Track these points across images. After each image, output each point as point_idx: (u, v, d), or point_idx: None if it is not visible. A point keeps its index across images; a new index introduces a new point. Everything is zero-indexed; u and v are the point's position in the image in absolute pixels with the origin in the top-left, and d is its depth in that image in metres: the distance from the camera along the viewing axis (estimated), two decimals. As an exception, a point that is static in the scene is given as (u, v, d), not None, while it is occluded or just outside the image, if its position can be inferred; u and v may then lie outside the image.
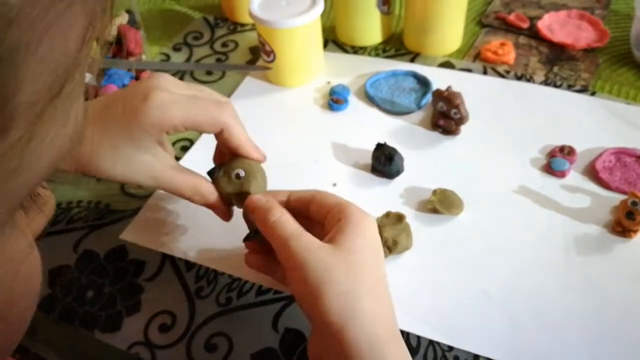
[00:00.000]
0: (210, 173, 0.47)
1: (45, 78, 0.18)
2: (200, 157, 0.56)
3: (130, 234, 0.54)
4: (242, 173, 0.45)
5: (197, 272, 0.52)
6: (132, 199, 0.59)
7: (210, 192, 0.47)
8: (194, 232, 0.54)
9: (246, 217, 0.47)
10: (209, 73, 0.73)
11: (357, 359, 0.35)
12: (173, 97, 0.43)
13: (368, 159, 0.58)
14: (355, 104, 0.67)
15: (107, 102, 0.45)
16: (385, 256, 0.49)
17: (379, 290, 0.39)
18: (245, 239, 0.47)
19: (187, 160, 0.62)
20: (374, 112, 0.66)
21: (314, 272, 0.37)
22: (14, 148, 0.17)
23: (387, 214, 0.52)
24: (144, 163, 0.44)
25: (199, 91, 0.46)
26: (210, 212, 0.49)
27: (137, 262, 0.53)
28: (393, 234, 0.50)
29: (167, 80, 0.44)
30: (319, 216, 0.43)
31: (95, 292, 0.51)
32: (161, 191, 0.58)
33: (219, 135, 0.46)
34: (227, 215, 0.49)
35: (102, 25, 0.20)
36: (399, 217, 0.51)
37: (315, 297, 0.37)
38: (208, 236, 0.54)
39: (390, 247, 0.50)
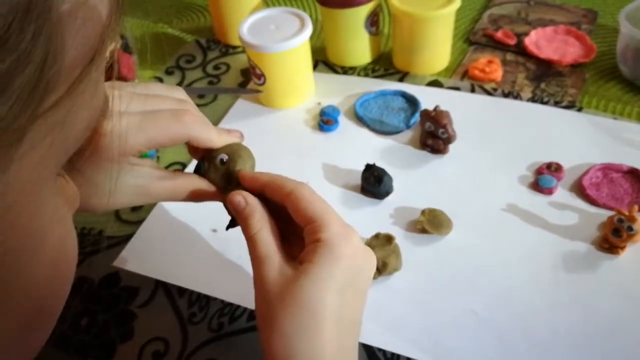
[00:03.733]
0: (197, 170, 0.46)
1: (82, 48, 0.21)
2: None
3: (124, 262, 0.55)
4: (224, 157, 0.44)
5: (189, 297, 0.52)
6: (126, 225, 0.59)
7: (204, 185, 0.45)
8: (186, 257, 0.55)
9: (226, 205, 0.44)
10: (200, 96, 0.74)
11: None
12: (126, 121, 0.39)
13: (358, 180, 0.59)
14: (345, 124, 0.68)
15: None
16: (375, 278, 0.50)
17: (331, 331, 0.36)
18: (228, 227, 0.45)
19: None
20: (364, 132, 0.66)
21: (267, 304, 0.37)
22: (61, 101, 0.21)
23: (377, 235, 0.52)
24: (128, 187, 0.43)
25: (152, 99, 0.43)
26: (200, 236, 0.49)
27: (130, 289, 0.54)
28: (382, 255, 0.50)
29: (115, 100, 0.39)
30: (297, 220, 0.40)
31: (90, 320, 0.52)
32: (153, 217, 0.58)
33: (187, 144, 0.45)
34: (216, 197, 0.46)
35: (120, 10, 0.24)
36: (388, 238, 0.51)
37: (263, 328, 0.37)
38: (200, 261, 0.54)
39: (380, 268, 0.50)
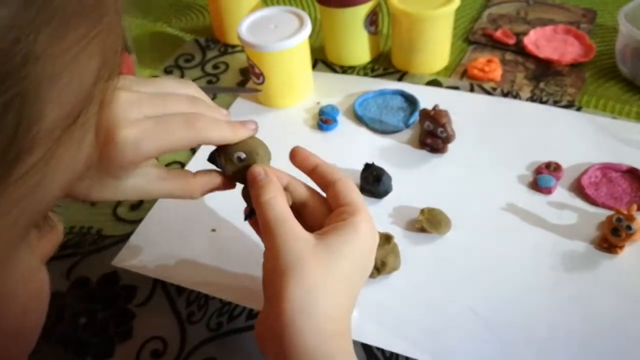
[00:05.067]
0: (211, 159, 0.46)
1: (64, 108, 0.20)
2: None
3: (122, 261, 0.55)
4: (242, 155, 0.44)
5: (188, 296, 0.52)
6: (124, 224, 0.59)
7: (202, 183, 0.45)
8: (184, 256, 0.55)
9: (245, 195, 0.45)
10: (199, 96, 0.74)
11: (298, 347, 0.36)
12: (139, 129, 0.39)
13: (357, 179, 0.59)
14: (344, 123, 0.67)
15: None
16: (374, 276, 0.50)
17: (344, 295, 0.39)
18: (246, 218, 0.46)
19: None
20: (363, 131, 0.66)
21: (284, 258, 0.38)
22: (35, 167, 0.20)
23: (381, 239, 0.52)
24: (130, 186, 0.43)
25: (164, 100, 0.42)
26: (199, 235, 0.49)
27: (129, 288, 0.54)
28: (381, 254, 0.50)
29: (126, 105, 0.40)
30: (333, 203, 0.44)
31: (88, 319, 0.52)
32: (152, 216, 0.58)
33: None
34: (231, 186, 0.47)
35: (115, 63, 0.23)
36: (387, 238, 0.51)
37: (279, 283, 0.38)
38: (198, 261, 0.54)
39: (379, 268, 0.50)
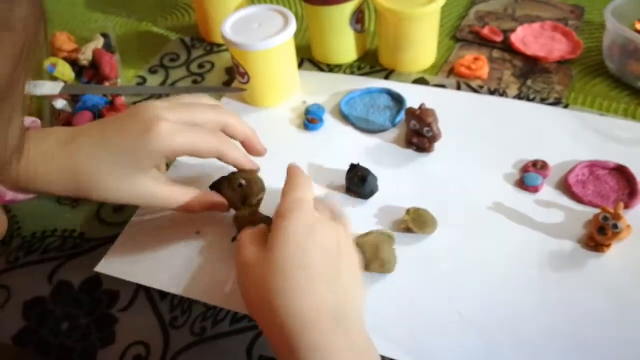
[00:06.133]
0: (213, 185, 0.53)
1: None
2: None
3: (105, 266, 0.54)
4: (243, 182, 0.52)
5: (171, 300, 0.52)
6: (107, 227, 0.59)
7: (208, 193, 0.52)
8: (168, 260, 0.54)
9: (236, 220, 0.53)
10: (185, 95, 0.73)
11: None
12: (174, 126, 0.47)
13: (343, 180, 0.58)
14: (330, 123, 0.67)
15: (103, 129, 0.48)
16: (368, 270, 0.49)
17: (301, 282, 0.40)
18: (235, 239, 0.53)
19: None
20: (349, 130, 0.66)
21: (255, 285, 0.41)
22: None
23: (382, 231, 0.52)
24: (144, 184, 0.48)
25: (193, 111, 0.50)
26: (183, 238, 0.52)
27: (111, 292, 0.53)
28: (388, 250, 0.50)
29: (163, 108, 0.48)
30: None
31: (70, 324, 0.51)
32: (135, 220, 0.58)
33: (218, 158, 0.51)
34: (226, 207, 0.53)
35: (36, 50, 0.23)
36: (389, 237, 0.51)
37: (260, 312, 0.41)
38: (182, 264, 0.53)
39: (384, 261, 0.50)
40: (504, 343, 0.46)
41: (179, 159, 0.63)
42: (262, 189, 0.53)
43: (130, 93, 0.72)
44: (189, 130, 0.47)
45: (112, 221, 0.59)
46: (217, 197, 0.52)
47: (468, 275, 0.51)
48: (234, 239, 0.54)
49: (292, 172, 0.48)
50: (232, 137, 0.52)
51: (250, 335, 0.49)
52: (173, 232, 0.56)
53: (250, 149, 0.55)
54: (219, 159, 0.51)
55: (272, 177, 0.55)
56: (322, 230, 0.42)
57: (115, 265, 0.54)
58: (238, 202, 0.52)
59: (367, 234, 0.51)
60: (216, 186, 0.53)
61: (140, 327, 0.50)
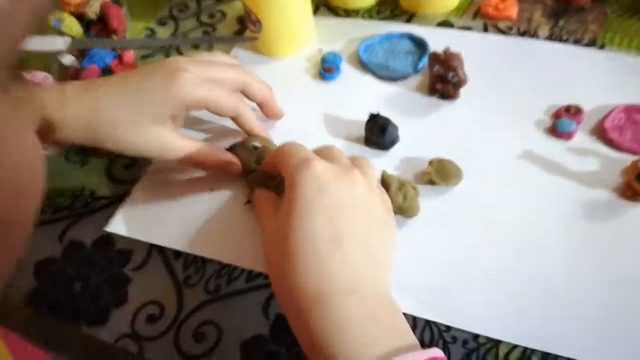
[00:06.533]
0: (229, 149, 0.53)
1: None
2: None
3: (116, 226, 0.52)
4: (258, 144, 0.52)
5: (185, 260, 0.50)
6: (118, 184, 0.57)
7: (221, 150, 0.52)
8: (181, 219, 0.52)
9: (251, 182, 0.51)
10: (195, 46, 0.70)
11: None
12: (198, 79, 0.48)
13: (362, 131, 0.55)
14: (347, 71, 0.63)
15: (124, 78, 0.49)
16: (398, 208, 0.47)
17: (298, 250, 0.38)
18: (247, 203, 0.52)
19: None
20: (368, 79, 0.62)
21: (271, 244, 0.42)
22: None
23: (408, 181, 0.49)
24: (160, 134, 0.49)
25: (213, 69, 0.51)
26: (196, 195, 0.52)
27: (124, 252, 0.51)
28: (412, 192, 0.48)
29: (186, 62, 0.50)
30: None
31: (82, 284, 0.50)
32: (146, 177, 0.56)
33: (234, 120, 0.52)
34: (239, 167, 0.52)
35: None
36: (414, 189, 0.48)
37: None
38: (195, 224, 0.51)
39: (407, 196, 0.47)
40: (534, 301, 0.43)
41: (193, 117, 0.60)
42: (275, 147, 0.52)
43: (139, 46, 0.69)
44: (211, 84, 0.49)
45: (123, 178, 0.57)
46: (230, 156, 0.52)
47: (495, 229, 0.48)
48: (248, 202, 0.52)
49: (281, 147, 0.45)
50: (250, 98, 0.54)
51: (267, 293, 0.47)
52: (185, 189, 0.54)
53: (268, 111, 0.56)
54: (235, 119, 0.52)
55: (286, 132, 0.53)
56: (334, 190, 0.39)
57: (126, 225, 0.52)
58: (252, 163, 0.52)
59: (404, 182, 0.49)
60: (231, 150, 0.53)
61: (154, 286, 0.49)
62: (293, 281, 0.37)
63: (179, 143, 0.50)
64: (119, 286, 0.49)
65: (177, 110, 0.48)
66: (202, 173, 0.55)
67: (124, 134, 0.48)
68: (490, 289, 0.44)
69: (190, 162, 0.50)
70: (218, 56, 0.54)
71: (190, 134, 0.58)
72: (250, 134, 0.53)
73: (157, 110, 0.48)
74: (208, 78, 0.50)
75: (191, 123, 0.59)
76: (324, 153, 0.44)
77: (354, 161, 0.45)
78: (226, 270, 0.49)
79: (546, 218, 0.48)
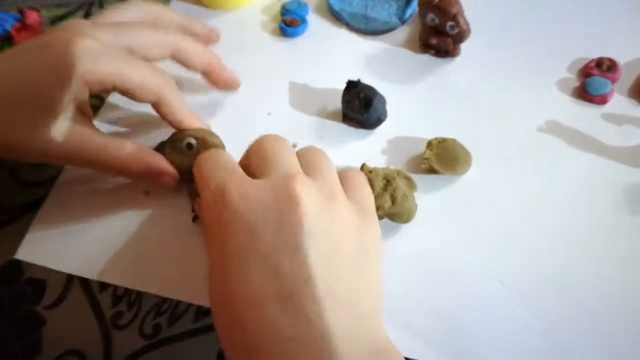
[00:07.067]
0: (157, 149, 0.40)
1: None
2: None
3: (27, 251, 0.39)
4: (193, 141, 0.38)
5: (114, 291, 0.38)
6: (27, 189, 0.44)
7: (150, 153, 0.38)
8: (106, 241, 0.38)
9: (192, 194, 0.39)
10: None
11: None
12: (104, 48, 0.36)
13: (337, 103, 0.43)
14: (316, 24, 0.50)
15: (6, 56, 0.36)
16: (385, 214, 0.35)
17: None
18: (194, 219, 0.39)
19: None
20: (342, 33, 0.49)
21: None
22: None
23: (398, 172, 0.37)
24: (62, 131, 0.35)
25: (129, 31, 0.38)
26: (128, 210, 0.39)
27: (36, 283, 0.39)
28: (405, 189, 0.36)
29: (87, 26, 0.37)
30: None
31: (-16, 329, 0.38)
32: (63, 179, 0.42)
33: (155, 107, 0.38)
34: (175, 178, 0.38)
35: None
36: (410, 183, 0.37)
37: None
38: (126, 246, 0.38)
39: (397, 198, 0.35)
40: (562, 321, 0.33)
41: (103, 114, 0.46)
42: (219, 145, 0.39)
43: (48, 4, 0.55)
44: (124, 56, 0.36)
45: (33, 180, 0.44)
46: (162, 162, 0.38)
47: (514, 229, 0.37)
48: (194, 218, 0.39)
49: (196, 163, 0.35)
50: (189, 67, 0.41)
51: (223, 335, 0.35)
52: (112, 197, 0.40)
53: (217, 79, 0.43)
54: (157, 107, 0.38)
55: (242, 108, 0.40)
56: (269, 227, 0.28)
57: (38, 249, 0.39)
58: (191, 168, 0.37)
59: (391, 176, 0.37)
60: (157, 152, 0.39)
61: (74, 329, 0.37)
62: (245, 351, 0.27)
63: (93, 142, 0.36)
64: (30, 330, 0.38)
65: (77, 93, 0.35)
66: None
67: (12, 139, 0.35)
68: (506, 309, 0.33)
69: (114, 167, 0.37)
70: (139, 8, 0.41)
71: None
72: (179, 128, 0.39)
73: (51, 97, 0.34)
74: (120, 46, 0.37)
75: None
76: (256, 155, 0.33)
77: (302, 158, 0.33)
78: (168, 305, 0.37)
79: (577, 210, 0.37)
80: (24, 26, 0.51)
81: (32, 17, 0.51)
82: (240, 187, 0.30)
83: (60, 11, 0.55)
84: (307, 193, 0.29)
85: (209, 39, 0.46)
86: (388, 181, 0.36)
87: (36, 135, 0.35)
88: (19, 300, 0.39)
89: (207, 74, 0.43)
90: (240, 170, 0.32)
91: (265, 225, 0.28)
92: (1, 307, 0.39)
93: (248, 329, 0.27)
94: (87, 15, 0.55)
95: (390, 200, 0.35)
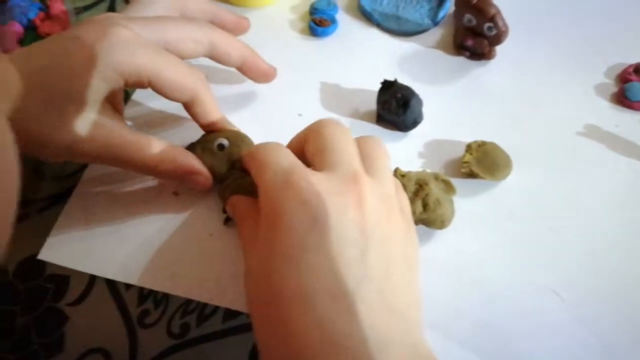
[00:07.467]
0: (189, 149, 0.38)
1: None
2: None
3: (51, 251, 0.37)
4: (225, 142, 0.37)
5: (140, 289, 0.37)
6: (50, 182, 0.42)
7: (182, 152, 0.36)
8: (133, 242, 0.37)
9: (223, 195, 0.37)
10: None
11: None
12: (139, 39, 0.34)
13: (371, 105, 0.42)
14: (346, 24, 0.49)
15: (29, 51, 0.34)
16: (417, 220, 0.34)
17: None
18: (227, 221, 0.37)
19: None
20: (373, 34, 0.48)
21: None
22: None
23: (437, 176, 0.36)
24: (96, 125, 0.34)
25: (165, 25, 0.37)
26: (156, 210, 0.37)
27: (59, 279, 0.38)
28: (439, 193, 0.35)
29: (123, 18, 0.36)
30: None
31: (4, 325, 0.37)
32: (87, 176, 0.41)
33: (187, 107, 0.37)
34: (208, 179, 0.36)
35: None
36: (449, 186, 0.36)
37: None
38: (153, 248, 0.36)
39: (429, 205, 0.34)
40: (624, 334, 0.32)
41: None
42: (251, 144, 0.38)
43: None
44: (157, 49, 0.35)
45: (56, 174, 0.43)
46: (195, 161, 0.36)
47: (564, 236, 0.36)
48: (226, 220, 0.37)
49: (252, 152, 0.34)
50: (224, 63, 0.40)
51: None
52: (140, 196, 0.39)
53: (254, 72, 0.42)
54: (189, 107, 0.37)
55: (272, 109, 0.39)
56: (333, 218, 0.28)
57: (61, 250, 0.37)
58: (223, 169, 0.37)
59: (424, 178, 0.36)
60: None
61: (98, 327, 0.36)
62: (288, 350, 0.25)
63: (122, 138, 0.34)
64: (53, 327, 0.36)
65: (112, 84, 0.33)
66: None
67: (37, 132, 0.33)
68: (561, 322, 0.32)
69: (141, 167, 0.35)
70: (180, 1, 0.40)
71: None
72: (209, 130, 0.38)
73: (82, 89, 0.32)
74: (155, 39, 0.35)
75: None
76: (315, 142, 0.32)
77: (362, 151, 0.32)
78: (196, 304, 0.36)
79: (628, 217, 0.36)
80: (48, 16, 0.50)
81: (57, 6, 0.50)
82: (307, 176, 0.29)
83: (84, 2, 0.54)
84: (370, 195, 0.29)
85: (239, 27, 0.44)
86: (420, 186, 0.35)
87: (63, 129, 0.33)
88: (40, 296, 0.38)
89: (244, 69, 0.41)
90: (301, 162, 0.31)
91: (326, 220, 0.27)
92: (22, 303, 0.37)
93: (292, 325, 0.26)
94: (111, 6, 0.54)
95: (422, 206, 0.34)
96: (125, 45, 0.33)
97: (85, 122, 0.33)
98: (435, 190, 0.35)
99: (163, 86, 0.35)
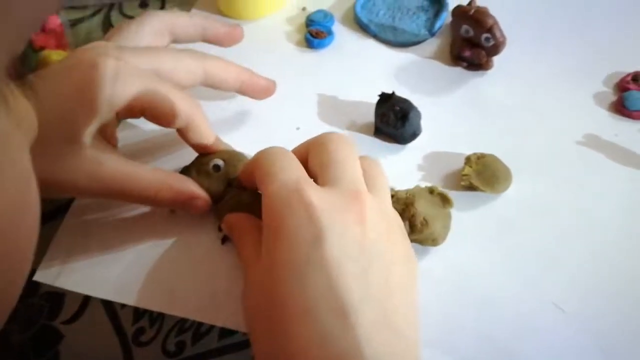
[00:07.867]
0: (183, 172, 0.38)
1: None
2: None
3: (47, 274, 0.36)
4: (220, 162, 0.37)
5: (135, 307, 0.36)
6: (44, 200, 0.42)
7: (179, 178, 0.36)
8: (129, 261, 0.36)
9: (219, 215, 0.36)
10: (143, 5, 0.55)
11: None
12: (130, 68, 0.33)
13: (369, 117, 0.41)
14: (342, 36, 0.49)
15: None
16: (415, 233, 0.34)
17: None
18: (224, 241, 0.36)
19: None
20: (370, 45, 0.48)
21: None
22: None
23: (432, 190, 0.35)
24: (86, 159, 0.33)
25: (158, 55, 0.36)
26: (152, 229, 0.37)
27: (54, 297, 0.38)
28: (428, 212, 0.34)
29: (114, 48, 0.35)
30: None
31: (0, 343, 0.36)
32: (80, 204, 0.40)
33: (182, 132, 0.36)
34: (207, 202, 0.36)
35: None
36: (445, 200, 0.35)
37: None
38: (148, 267, 0.36)
39: (416, 226, 0.33)
40: (627, 348, 0.31)
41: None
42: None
43: (68, 5, 0.54)
44: (151, 78, 0.34)
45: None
46: (193, 186, 0.35)
47: (565, 248, 0.35)
48: (224, 240, 0.36)
49: (257, 158, 0.33)
50: (221, 89, 0.40)
51: (250, 353, 0.34)
52: (137, 213, 0.38)
53: (254, 91, 0.41)
54: (183, 132, 0.36)
55: (269, 122, 0.39)
56: (336, 234, 0.28)
57: (59, 270, 0.36)
58: (220, 190, 0.36)
59: (412, 198, 0.35)
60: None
61: (93, 345, 0.36)
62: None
63: (123, 171, 0.33)
64: (47, 346, 0.36)
65: (105, 116, 0.32)
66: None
67: (40, 173, 0.31)
68: (565, 337, 0.32)
69: (140, 199, 0.35)
70: (153, 17, 0.39)
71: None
72: (203, 152, 0.37)
73: (74, 126, 0.32)
74: (149, 69, 0.35)
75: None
76: (320, 156, 0.32)
77: (363, 167, 0.32)
78: (191, 322, 0.36)
79: (630, 227, 0.36)
80: (44, 30, 0.49)
81: (52, 20, 0.50)
82: (314, 192, 0.29)
83: (79, 14, 0.54)
84: (371, 212, 0.29)
85: (232, 36, 0.43)
86: (406, 206, 0.34)
87: (62, 168, 0.32)
88: (36, 315, 0.37)
89: (243, 91, 0.41)
90: (307, 175, 0.30)
91: (331, 234, 0.27)
92: (17, 321, 0.37)
93: (295, 340, 0.26)
94: (106, 18, 0.54)
95: (409, 227, 0.34)
96: (116, 77, 0.32)
97: (79, 161, 0.33)
98: (423, 208, 0.34)
99: (157, 116, 0.34)
